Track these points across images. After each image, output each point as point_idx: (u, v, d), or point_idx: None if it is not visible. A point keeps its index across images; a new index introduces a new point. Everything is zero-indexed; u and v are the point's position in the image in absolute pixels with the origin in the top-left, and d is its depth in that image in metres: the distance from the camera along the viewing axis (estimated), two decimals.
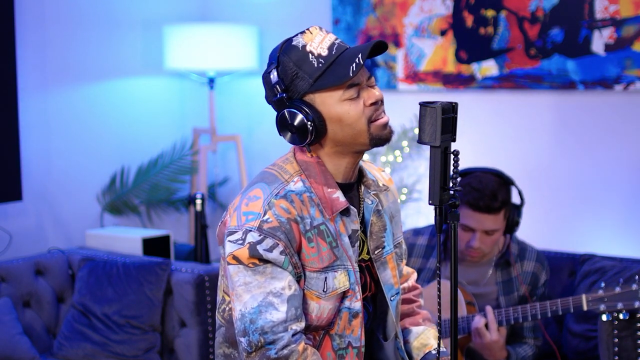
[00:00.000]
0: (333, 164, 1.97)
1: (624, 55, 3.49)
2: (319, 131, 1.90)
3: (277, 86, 1.91)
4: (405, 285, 2.25)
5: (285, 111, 1.91)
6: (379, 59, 4.12)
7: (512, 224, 3.05)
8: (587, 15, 3.56)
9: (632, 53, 3.48)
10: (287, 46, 1.91)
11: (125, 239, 3.88)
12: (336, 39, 1.92)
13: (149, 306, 3.51)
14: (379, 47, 1.90)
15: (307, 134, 1.90)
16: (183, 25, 4.33)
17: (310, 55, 1.88)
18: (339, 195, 1.95)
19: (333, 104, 1.90)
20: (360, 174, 2.05)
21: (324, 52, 1.89)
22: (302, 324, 1.90)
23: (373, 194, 2.05)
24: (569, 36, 3.61)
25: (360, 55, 1.86)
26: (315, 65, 1.88)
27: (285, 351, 1.86)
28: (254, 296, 1.87)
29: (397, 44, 4.05)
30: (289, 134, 1.92)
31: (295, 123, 1.89)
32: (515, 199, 3.16)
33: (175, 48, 4.30)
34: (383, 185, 2.09)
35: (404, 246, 2.18)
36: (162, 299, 3.55)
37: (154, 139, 4.51)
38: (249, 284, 1.87)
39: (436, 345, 2.12)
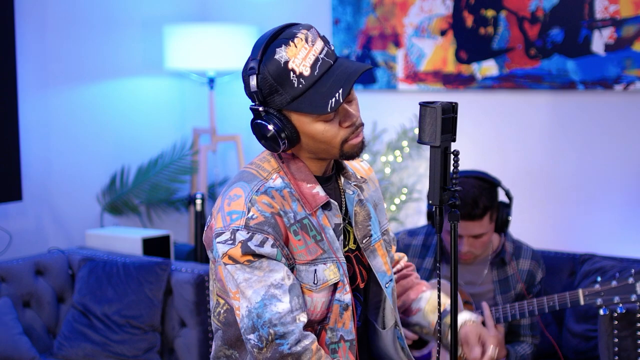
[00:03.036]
0: (309, 162, 1.99)
1: (624, 55, 3.49)
2: (291, 142, 1.92)
3: (255, 95, 1.91)
4: (398, 266, 2.28)
5: (258, 122, 1.92)
6: (379, 59, 4.12)
7: (501, 224, 3.04)
8: (587, 15, 3.56)
9: (632, 53, 3.48)
10: (268, 56, 1.88)
11: (125, 239, 3.88)
12: (321, 52, 1.88)
13: (149, 306, 3.51)
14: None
15: (279, 144, 1.92)
16: (183, 25, 4.33)
17: (291, 73, 1.86)
18: (318, 190, 1.97)
19: (308, 122, 1.90)
20: (339, 166, 2.07)
21: (306, 72, 1.86)
22: (307, 316, 1.91)
23: (354, 185, 2.07)
24: (569, 36, 3.61)
25: (341, 91, 1.84)
26: (295, 85, 1.86)
27: (298, 348, 1.87)
28: (256, 291, 1.88)
29: (397, 44, 4.05)
30: (263, 141, 1.94)
31: (268, 135, 1.91)
32: (505, 199, 3.15)
33: (175, 48, 4.30)
34: (361, 177, 2.11)
35: (391, 233, 2.20)
36: (162, 299, 3.55)
37: (154, 139, 4.51)
38: (249, 280, 1.89)
39: (448, 302, 2.12)
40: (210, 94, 4.45)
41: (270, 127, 1.89)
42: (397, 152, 4.08)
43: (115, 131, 4.38)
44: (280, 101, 1.88)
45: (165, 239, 3.96)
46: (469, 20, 3.86)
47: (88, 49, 4.24)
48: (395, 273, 2.27)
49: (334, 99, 1.84)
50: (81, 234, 4.15)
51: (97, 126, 4.30)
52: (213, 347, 2.07)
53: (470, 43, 3.86)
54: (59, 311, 3.67)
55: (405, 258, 2.33)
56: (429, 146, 1.78)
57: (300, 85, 1.86)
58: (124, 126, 4.42)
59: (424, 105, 1.79)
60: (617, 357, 2.93)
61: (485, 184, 2.99)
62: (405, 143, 4.06)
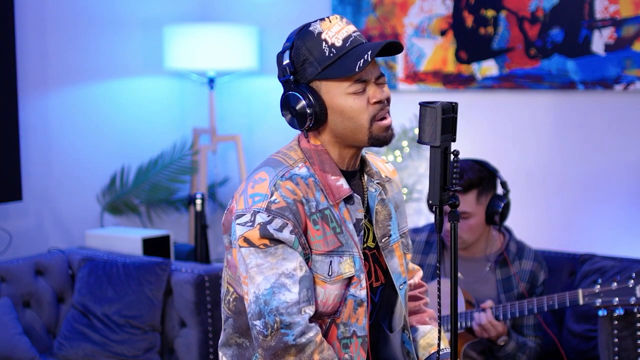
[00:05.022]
0: (335, 153, 1.99)
1: (624, 55, 3.49)
2: (318, 119, 1.94)
3: (287, 67, 1.94)
4: (412, 282, 2.25)
5: (289, 94, 1.95)
6: (379, 58, 4.11)
7: (491, 213, 3.03)
8: (587, 15, 3.56)
9: (632, 53, 3.48)
10: (304, 30, 1.94)
11: (125, 239, 3.88)
12: (355, 32, 1.95)
13: (149, 306, 3.51)
14: (394, 47, 1.93)
15: (305, 119, 1.94)
16: (183, 25, 4.33)
17: (323, 43, 1.91)
18: (342, 182, 1.97)
19: (337, 94, 1.93)
20: (363, 163, 2.07)
21: (338, 43, 1.91)
22: (314, 309, 1.91)
23: (377, 183, 2.06)
24: (569, 36, 3.61)
25: (370, 52, 1.88)
26: (326, 54, 1.91)
27: (303, 339, 1.87)
28: (267, 277, 1.88)
29: None
30: (289, 115, 1.97)
31: (297, 107, 1.93)
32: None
33: (175, 48, 4.30)
34: (386, 177, 2.11)
35: (409, 239, 2.18)
36: (162, 299, 3.55)
37: (154, 139, 4.51)
38: (260, 266, 1.89)
39: (442, 346, 2.13)
40: (210, 94, 4.45)
41: (300, 99, 1.92)
42: (397, 152, 4.08)
43: (115, 131, 4.38)
44: (311, 72, 1.92)
45: (165, 239, 3.96)
46: (469, 20, 3.86)
47: (88, 48, 4.24)
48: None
49: (362, 60, 1.88)
50: (81, 234, 4.15)
51: (97, 126, 4.30)
52: (223, 334, 2.06)
53: (470, 43, 3.86)
54: (59, 311, 3.67)
55: (420, 273, 2.29)
56: (429, 146, 1.78)
57: (331, 55, 1.91)
58: (124, 126, 4.42)
59: (424, 105, 1.79)
60: (617, 357, 2.93)
61: (480, 166, 3.01)
62: (405, 143, 4.06)
